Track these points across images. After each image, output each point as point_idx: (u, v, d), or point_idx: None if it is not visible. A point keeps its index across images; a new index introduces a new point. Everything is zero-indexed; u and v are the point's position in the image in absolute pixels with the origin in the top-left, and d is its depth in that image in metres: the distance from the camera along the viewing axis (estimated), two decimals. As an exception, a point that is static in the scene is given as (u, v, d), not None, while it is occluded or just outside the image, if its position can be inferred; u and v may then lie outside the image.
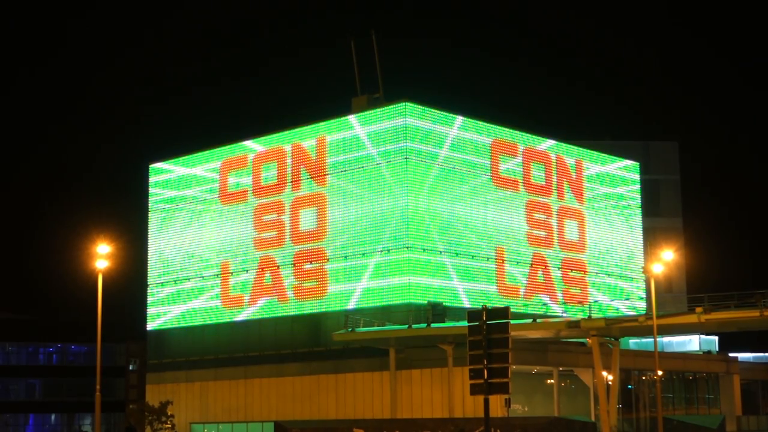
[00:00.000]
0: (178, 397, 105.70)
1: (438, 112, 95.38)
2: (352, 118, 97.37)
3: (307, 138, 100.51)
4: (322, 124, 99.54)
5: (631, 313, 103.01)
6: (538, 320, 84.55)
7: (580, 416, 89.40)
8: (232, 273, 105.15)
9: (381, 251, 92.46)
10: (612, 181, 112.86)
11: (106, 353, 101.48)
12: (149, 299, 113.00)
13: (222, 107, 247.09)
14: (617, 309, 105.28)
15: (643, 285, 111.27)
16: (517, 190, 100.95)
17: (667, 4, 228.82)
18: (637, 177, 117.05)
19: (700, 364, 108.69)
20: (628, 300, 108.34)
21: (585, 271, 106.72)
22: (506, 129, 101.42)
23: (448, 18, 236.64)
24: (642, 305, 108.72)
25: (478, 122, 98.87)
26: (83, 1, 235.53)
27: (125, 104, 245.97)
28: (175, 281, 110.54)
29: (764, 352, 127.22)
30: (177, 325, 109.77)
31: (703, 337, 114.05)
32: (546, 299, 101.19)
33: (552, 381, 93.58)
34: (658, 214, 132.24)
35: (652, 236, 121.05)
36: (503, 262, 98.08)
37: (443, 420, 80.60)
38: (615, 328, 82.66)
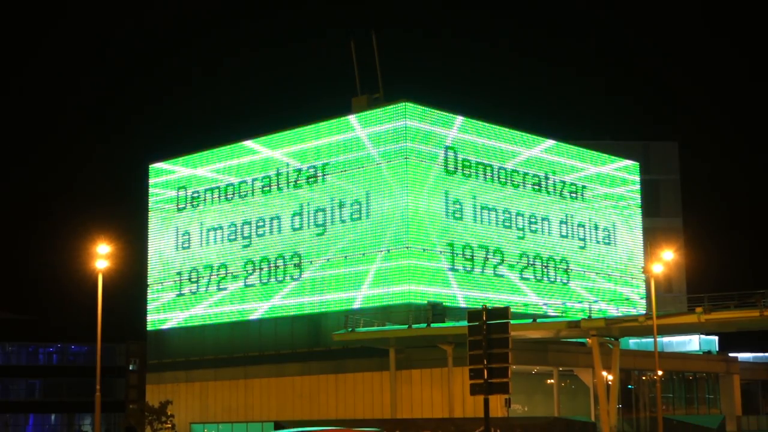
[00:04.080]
0: (178, 397, 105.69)
1: (438, 112, 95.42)
2: (352, 118, 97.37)
3: (307, 138, 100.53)
4: (322, 124, 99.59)
5: (632, 312, 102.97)
6: (538, 320, 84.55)
7: (580, 416, 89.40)
8: (232, 273, 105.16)
9: (381, 251, 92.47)
10: (612, 181, 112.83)
11: (106, 353, 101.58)
12: (149, 299, 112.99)
13: (222, 107, 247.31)
14: (617, 309, 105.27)
15: (642, 285, 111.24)
16: (517, 190, 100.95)
17: (667, 3, 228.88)
18: (637, 177, 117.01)
19: (700, 364, 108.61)
20: (628, 300, 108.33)
21: (585, 272, 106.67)
22: (506, 129, 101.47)
23: (448, 18, 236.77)
24: (642, 305, 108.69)
25: (478, 122, 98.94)
26: None
27: (125, 104, 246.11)
28: (175, 281, 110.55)
29: (764, 352, 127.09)
30: (177, 325, 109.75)
31: (703, 337, 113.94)
32: (546, 300, 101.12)
33: (552, 381, 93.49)
34: (658, 214, 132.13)
35: (652, 236, 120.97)
36: (503, 262, 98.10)
37: (443, 420, 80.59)
38: (615, 328, 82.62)
